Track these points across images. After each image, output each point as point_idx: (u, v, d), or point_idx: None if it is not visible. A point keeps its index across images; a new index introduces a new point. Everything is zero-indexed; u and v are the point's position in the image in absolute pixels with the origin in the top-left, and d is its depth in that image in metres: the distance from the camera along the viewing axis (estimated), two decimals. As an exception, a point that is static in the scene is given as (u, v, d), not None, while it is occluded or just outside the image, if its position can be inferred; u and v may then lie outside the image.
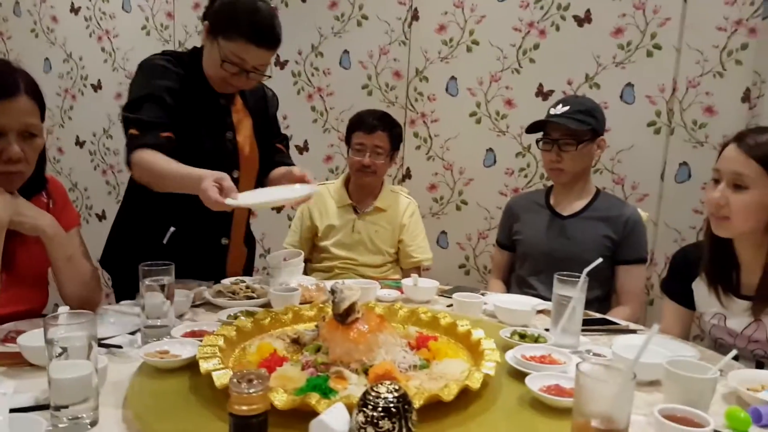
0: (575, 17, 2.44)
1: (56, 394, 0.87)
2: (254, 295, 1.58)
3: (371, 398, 0.75)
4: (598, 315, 1.63)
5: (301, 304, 1.50)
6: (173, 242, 1.67)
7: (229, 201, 1.32)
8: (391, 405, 0.74)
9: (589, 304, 1.66)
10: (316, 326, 1.24)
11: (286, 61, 2.95)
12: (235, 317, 1.37)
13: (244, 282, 1.66)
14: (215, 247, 1.76)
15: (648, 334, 0.84)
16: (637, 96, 2.38)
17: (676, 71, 2.31)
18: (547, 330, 1.38)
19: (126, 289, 1.61)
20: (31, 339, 1.09)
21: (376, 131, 2.13)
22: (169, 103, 1.55)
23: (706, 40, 2.24)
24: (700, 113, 2.29)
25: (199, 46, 1.68)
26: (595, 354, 1.24)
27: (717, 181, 1.34)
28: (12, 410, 0.88)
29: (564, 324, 1.31)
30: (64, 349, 0.86)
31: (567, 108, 1.85)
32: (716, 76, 2.25)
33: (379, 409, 0.73)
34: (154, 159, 1.47)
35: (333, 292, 1.17)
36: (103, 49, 3.33)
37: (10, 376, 1.05)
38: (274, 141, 1.87)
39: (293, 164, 1.79)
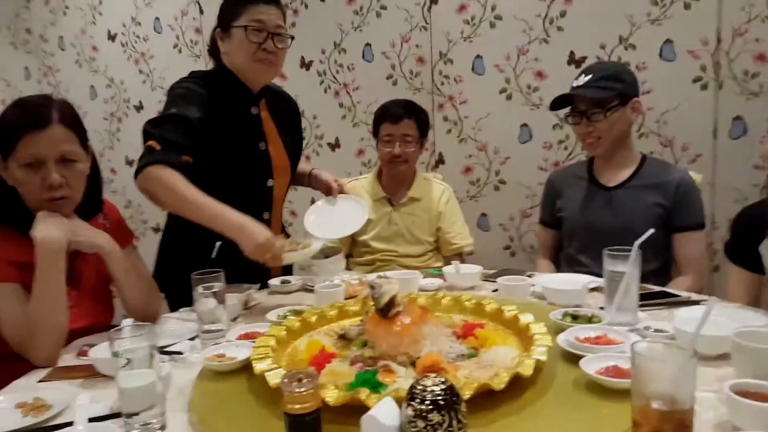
0: (602, -23, 2.32)
1: (126, 403, 0.91)
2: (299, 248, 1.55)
3: (418, 392, 0.74)
4: (656, 288, 1.54)
5: (345, 299, 1.49)
6: (219, 254, 1.69)
7: (285, 256, 1.43)
8: (439, 398, 0.73)
9: (645, 278, 1.57)
10: (361, 321, 1.22)
11: (311, 62, 2.94)
12: (284, 317, 1.39)
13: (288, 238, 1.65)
14: None
15: (707, 306, 0.77)
16: (677, 52, 2.25)
17: (718, 21, 2.16)
18: (601, 309, 1.31)
19: (178, 300, 1.65)
20: (101, 352, 1.15)
21: (402, 120, 2.10)
22: (194, 126, 1.54)
23: (749, -16, 2.09)
24: (750, 62, 2.13)
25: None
26: (655, 330, 1.17)
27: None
28: (90, 419, 0.93)
29: (619, 301, 1.24)
30: (129, 360, 0.90)
31: (590, 77, 1.76)
32: (765, 20, 2.09)
33: (427, 402, 0.72)
34: (175, 180, 1.44)
35: (372, 287, 1.14)
36: (140, 71, 3.46)
37: (87, 387, 1.11)
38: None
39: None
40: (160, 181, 1.46)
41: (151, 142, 1.50)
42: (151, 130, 1.53)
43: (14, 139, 1.26)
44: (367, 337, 1.13)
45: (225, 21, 1.64)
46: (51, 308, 1.25)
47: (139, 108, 3.51)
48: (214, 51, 1.71)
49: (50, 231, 1.25)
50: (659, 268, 1.79)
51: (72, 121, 1.32)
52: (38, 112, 1.28)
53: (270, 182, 1.73)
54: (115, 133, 3.63)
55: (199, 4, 3.19)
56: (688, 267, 1.76)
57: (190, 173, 1.51)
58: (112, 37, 3.50)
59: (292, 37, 1.69)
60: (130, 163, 3.61)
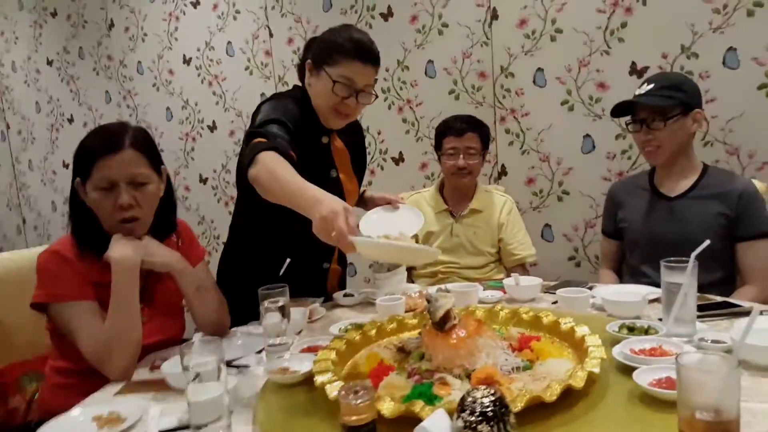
0: (663, -14, 2.31)
1: (194, 415, 0.94)
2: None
3: (468, 403, 0.77)
4: (718, 298, 1.53)
5: (406, 312, 1.55)
6: (287, 271, 1.73)
7: (356, 239, 1.16)
8: (488, 409, 0.75)
9: (709, 288, 1.58)
10: (419, 334, 1.27)
11: (375, 80, 3.04)
12: (346, 330, 1.43)
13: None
14: (318, 270, 1.88)
15: (752, 314, 0.80)
16: (741, 60, 2.20)
17: (784, 27, 2.10)
18: (660, 320, 1.33)
19: (239, 312, 1.65)
20: (172, 366, 1.19)
21: (465, 133, 2.18)
22: (293, 133, 1.53)
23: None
24: (820, 67, 2.06)
25: (299, 83, 1.75)
26: (712, 341, 1.18)
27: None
28: (160, 431, 0.98)
29: (676, 312, 1.26)
30: (198, 374, 0.93)
31: (652, 86, 1.79)
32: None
33: (477, 413, 0.75)
34: (281, 162, 1.36)
35: (428, 301, 1.19)
36: (214, 93, 3.64)
37: (159, 401, 1.17)
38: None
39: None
40: (265, 164, 1.36)
41: (257, 139, 1.45)
42: (255, 131, 1.50)
43: (90, 164, 1.34)
44: (423, 350, 1.18)
45: (318, 59, 1.63)
46: (126, 324, 1.31)
47: (212, 128, 3.69)
48: (301, 69, 1.72)
49: (125, 251, 1.32)
50: (723, 279, 1.77)
51: (143, 145, 1.39)
52: (112, 137, 1.36)
53: None
54: (189, 152, 3.82)
55: (269, 28, 3.38)
56: (753, 277, 1.72)
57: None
58: (187, 61, 3.71)
59: (377, 96, 1.71)
60: (203, 180, 3.80)
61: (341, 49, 1.59)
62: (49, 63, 4.38)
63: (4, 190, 4.93)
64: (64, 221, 4.59)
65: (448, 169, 2.22)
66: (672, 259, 1.28)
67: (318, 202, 1.20)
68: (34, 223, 4.81)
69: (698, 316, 1.30)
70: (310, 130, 1.69)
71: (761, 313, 1.37)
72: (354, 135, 1.89)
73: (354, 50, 1.59)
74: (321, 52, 1.64)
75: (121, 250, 1.33)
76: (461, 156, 2.17)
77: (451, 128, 2.21)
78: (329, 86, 1.61)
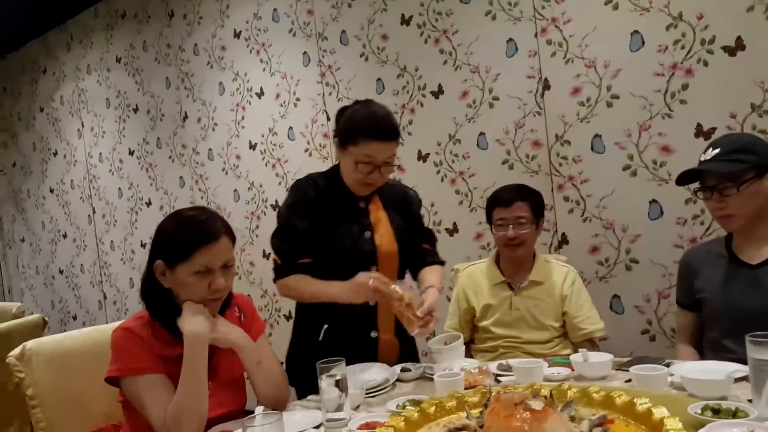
0: (725, 48, 2.26)
1: None
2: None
3: None
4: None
5: (465, 388, 1.48)
6: (328, 339, 1.83)
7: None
8: None
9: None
10: (481, 413, 1.21)
11: (428, 154, 3.10)
12: (403, 406, 1.42)
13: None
14: (366, 340, 1.88)
15: None
16: (822, 116, 2.08)
17: None
18: (749, 401, 1.19)
19: (306, 387, 1.76)
20: None
21: (514, 203, 2.11)
22: (302, 235, 1.81)
23: None
24: None
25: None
26: (817, 429, 1.04)
27: None
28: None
29: (769, 394, 1.12)
30: None
31: (718, 150, 1.68)
32: None
33: None
34: (296, 284, 1.79)
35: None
36: (277, 174, 3.85)
37: None
38: (420, 239, 2.02)
39: (440, 261, 2.06)
40: (288, 289, 1.81)
41: (274, 257, 1.83)
42: (272, 243, 1.85)
43: (190, 251, 1.42)
44: (486, 430, 1.12)
45: (342, 139, 1.80)
46: (195, 397, 1.37)
47: (275, 207, 3.86)
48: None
49: (197, 326, 1.41)
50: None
51: (230, 231, 1.51)
52: (209, 227, 1.46)
53: (374, 270, 1.82)
54: (254, 230, 4.01)
55: (326, 112, 3.55)
56: None
57: (313, 267, 1.78)
58: (252, 147, 3.96)
59: (398, 165, 1.88)
60: (266, 256, 3.93)
61: (360, 131, 1.74)
62: (131, 153, 4.83)
63: (89, 269, 5.39)
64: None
65: (499, 240, 2.15)
66: (759, 333, 1.17)
67: (343, 285, 1.69)
68: (113, 298, 5.17)
69: (796, 398, 1.15)
70: (345, 197, 1.86)
71: None
72: (397, 201, 1.97)
73: (372, 130, 1.73)
74: (343, 132, 1.80)
75: (193, 325, 1.41)
76: (510, 226, 2.10)
77: (500, 199, 2.16)
78: (351, 164, 1.77)
